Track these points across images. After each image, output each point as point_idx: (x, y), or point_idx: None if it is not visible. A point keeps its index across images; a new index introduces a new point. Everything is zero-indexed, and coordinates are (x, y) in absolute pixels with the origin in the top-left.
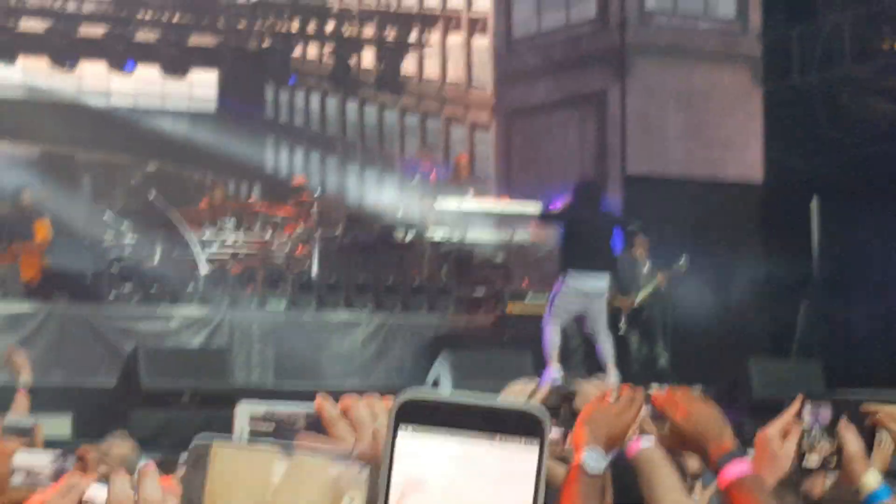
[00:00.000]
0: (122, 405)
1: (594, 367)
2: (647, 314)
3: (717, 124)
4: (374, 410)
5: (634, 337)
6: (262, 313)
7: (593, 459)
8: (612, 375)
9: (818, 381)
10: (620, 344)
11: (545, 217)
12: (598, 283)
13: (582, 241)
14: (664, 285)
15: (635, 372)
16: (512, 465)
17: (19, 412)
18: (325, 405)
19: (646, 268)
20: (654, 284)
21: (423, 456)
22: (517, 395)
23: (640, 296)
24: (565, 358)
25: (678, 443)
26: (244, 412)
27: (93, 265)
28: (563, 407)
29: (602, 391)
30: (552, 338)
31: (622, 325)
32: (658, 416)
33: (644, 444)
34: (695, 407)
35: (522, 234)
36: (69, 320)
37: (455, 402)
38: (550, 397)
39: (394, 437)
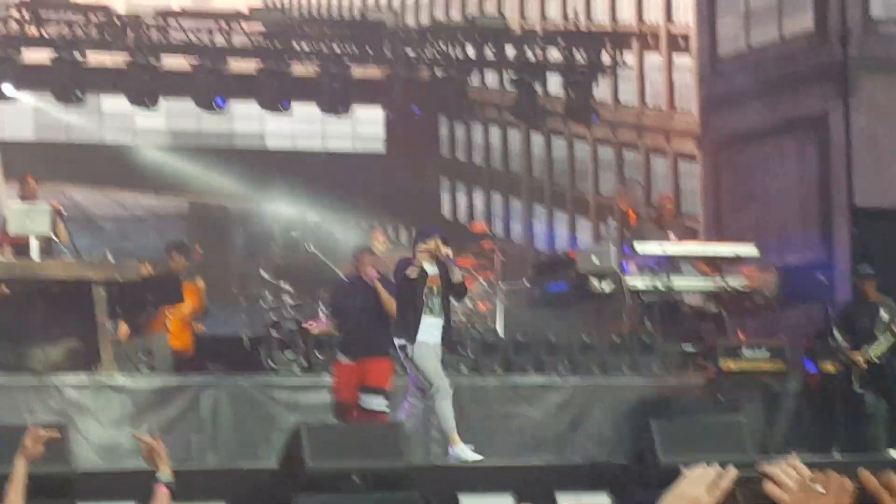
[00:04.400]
0: (285, 490)
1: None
2: (886, 370)
3: None
4: None
5: (871, 396)
6: None
7: None
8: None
9: None
10: (857, 404)
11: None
12: None
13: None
14: None
15: (871, 437)
16: None
17: None
18: None
19: (884, 316)
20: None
21: None
22: (698, 482)
23: (878, 350)
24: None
25: None
26: None
27: (250, 330)
28: (743, 495)
29: (799, 477)
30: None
31: (856, 382)
32: None
33: None
34: None
35: (737, 280)
36: (224, 394)
37: None
38: (739, 487)
39: None
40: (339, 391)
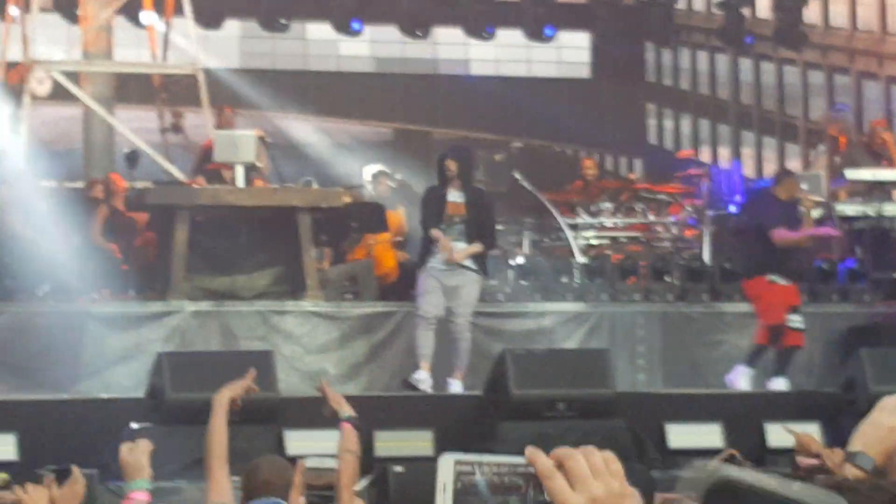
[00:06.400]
0: (489, 417)
1: None
2: None
3: None
4: (595, 466)
5: None
6: (647, 307)
7: None
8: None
9: None
10: None
11: None
12: None
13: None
14: None
15: None
16: None
17: (348, 443)
18: (538, 458)
19: None
20: None
21: None
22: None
23: None
24: None
25: None
26: (448, 464)
27: None
28: None
29: None
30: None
31: None
32: None
33: None
34: None
35: None
36: None
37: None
38: None
39: None
40: (768, 312)
